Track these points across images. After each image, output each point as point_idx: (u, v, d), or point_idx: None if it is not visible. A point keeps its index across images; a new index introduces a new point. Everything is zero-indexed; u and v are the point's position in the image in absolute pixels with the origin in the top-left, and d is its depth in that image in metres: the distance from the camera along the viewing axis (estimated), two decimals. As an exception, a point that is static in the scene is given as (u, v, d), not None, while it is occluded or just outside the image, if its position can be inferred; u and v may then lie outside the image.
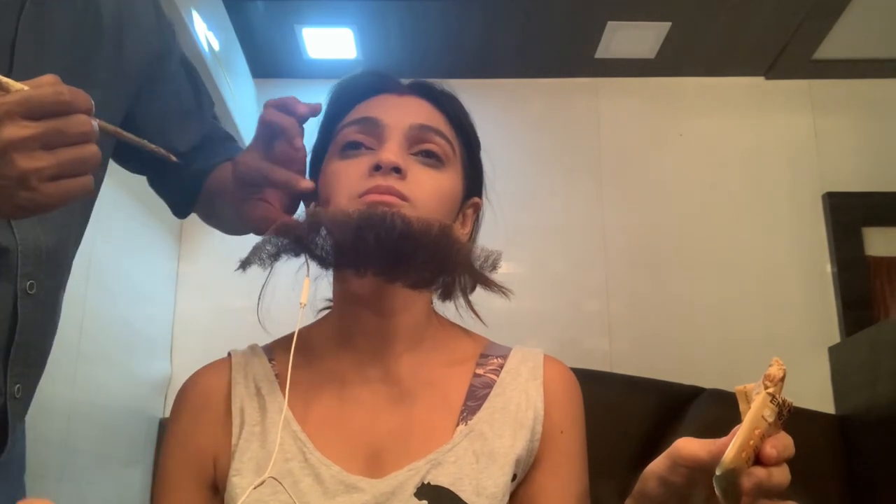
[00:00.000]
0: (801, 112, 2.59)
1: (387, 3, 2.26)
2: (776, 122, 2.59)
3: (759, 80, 2.62)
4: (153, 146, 0.78)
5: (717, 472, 0.57)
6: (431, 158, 0.86)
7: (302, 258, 0.83)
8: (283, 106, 0.84)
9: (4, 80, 0.65)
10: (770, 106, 2.60)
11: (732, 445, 0.57)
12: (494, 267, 0.86)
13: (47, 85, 0.65)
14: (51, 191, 0.64)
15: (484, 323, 0.91)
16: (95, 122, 0.66)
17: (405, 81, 0.92)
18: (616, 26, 2.35)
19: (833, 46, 2.41)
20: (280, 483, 0.76)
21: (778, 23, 2.33)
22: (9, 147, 0.62)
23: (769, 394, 0.59)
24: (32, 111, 0.63)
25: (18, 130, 0.62)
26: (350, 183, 0.83)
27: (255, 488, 0.75)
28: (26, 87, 0.65)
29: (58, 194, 0.65)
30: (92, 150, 0.65)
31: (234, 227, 1.06)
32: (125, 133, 0.76)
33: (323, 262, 0.83)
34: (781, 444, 0.60)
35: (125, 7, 0.99)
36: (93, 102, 0.66)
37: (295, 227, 0.82)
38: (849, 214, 2.47)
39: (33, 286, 0.88)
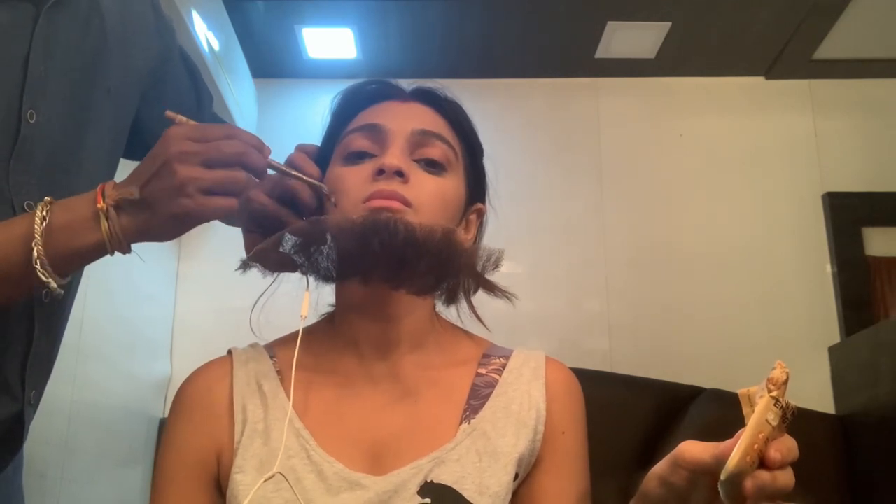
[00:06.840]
0: (801, 112, 2.59)
1: (387, 3, 2.26)
2: (776, 122, 2.59)
3: (759, 80, 2.62)
4: (314, 181, 0.86)
5: (722, 477, 0.57)
6: (434, 167, 0.87)
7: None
8: (315, 154, 0.91)
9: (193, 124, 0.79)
10: (770, 106, 2.60)
11: (737, 450, 0.57)
12: (497, 266, 0.87)
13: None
14: (203, 202, 0.73)
15: (487, 328, 0.91)
16: (266, 160, 0.78)
17: (408, 87, 0.93)
18: (616, 26, 2.35)
19: (833, 46, 2.41)
20: (286, 479, 0.76)
21: (778, 23, 2.33)
22: (173, 158, 0.73)
23: (773, 397, 0.59)
24: (201, 136, 0.75)
25: (184, 146, 0.73)
26: (354, 188, 0.83)
27: (265, 481, 0.75)
28: None
29: (209, 206, 0.74)
30: (242, 175, 0.75)
31: None
32: (290, 170, 0.84)
33: (325, 277, 0.83)
34: (785, 447, 0.60)
35: (127, 14, 1.00)
36: (264, 144, 0.77)
37: (301, 231, 0.82)
38: (849, 214, 2.46)
39: (47, 294, 0.88)
